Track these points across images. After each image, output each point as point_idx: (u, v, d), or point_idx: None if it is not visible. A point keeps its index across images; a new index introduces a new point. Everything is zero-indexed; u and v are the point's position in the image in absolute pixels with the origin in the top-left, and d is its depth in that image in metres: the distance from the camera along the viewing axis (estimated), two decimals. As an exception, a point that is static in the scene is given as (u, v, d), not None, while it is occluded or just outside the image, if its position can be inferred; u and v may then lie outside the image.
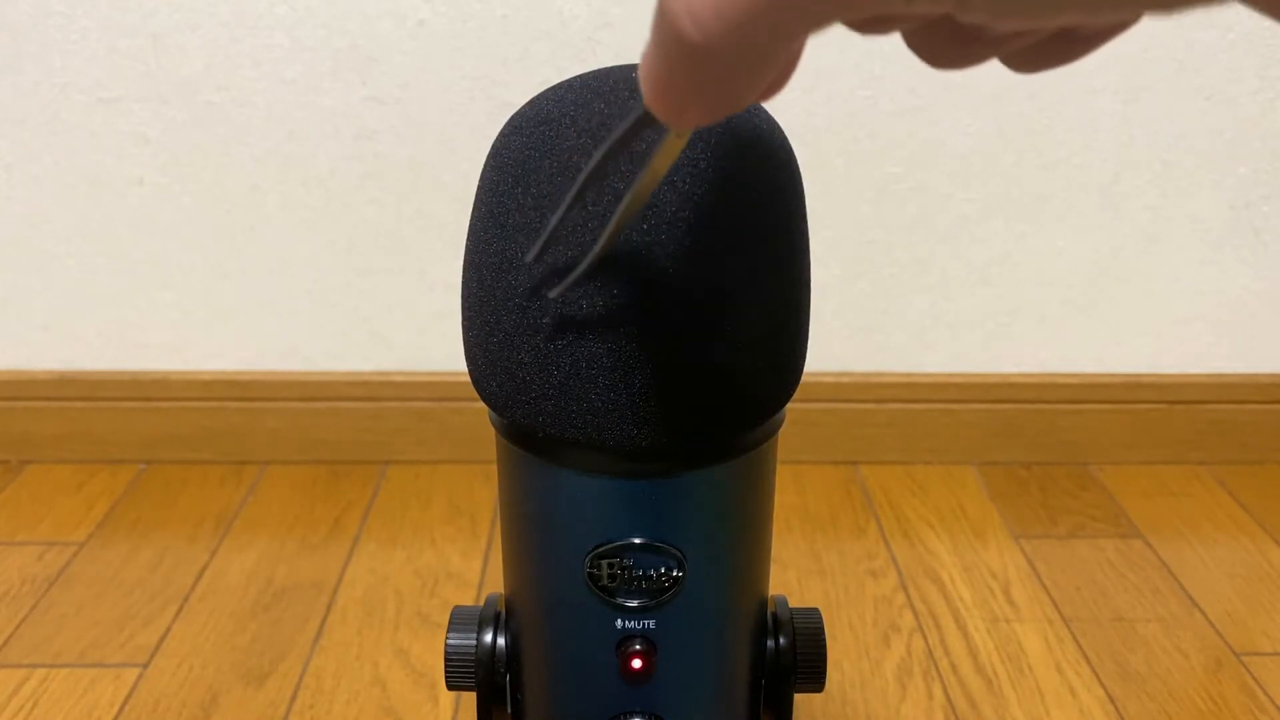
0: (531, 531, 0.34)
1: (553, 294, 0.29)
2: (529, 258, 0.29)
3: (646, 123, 0.22)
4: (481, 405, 0.33)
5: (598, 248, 0.28)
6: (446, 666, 0.37)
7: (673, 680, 0.34)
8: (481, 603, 0.38)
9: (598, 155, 0.26)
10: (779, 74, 0.21)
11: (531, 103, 0.32)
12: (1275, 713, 0.65)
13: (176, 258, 0.86)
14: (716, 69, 0.18)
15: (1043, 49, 0.21)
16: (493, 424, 0.34)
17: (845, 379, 0.91)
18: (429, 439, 0.92)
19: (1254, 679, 0.68)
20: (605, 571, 0.32)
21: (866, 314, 0.90)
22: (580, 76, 0.31)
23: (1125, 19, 0.18)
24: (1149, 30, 0.79)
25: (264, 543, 0.81)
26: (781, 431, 0.34)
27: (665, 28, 0.18)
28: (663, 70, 0.19)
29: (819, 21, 0.17)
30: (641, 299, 0.29)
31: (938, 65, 0.22)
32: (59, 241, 0.86)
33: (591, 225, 0.29)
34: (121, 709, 0.64)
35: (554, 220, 0.28)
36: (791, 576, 0.78)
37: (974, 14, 0.16)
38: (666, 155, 0.24)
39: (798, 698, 0.38)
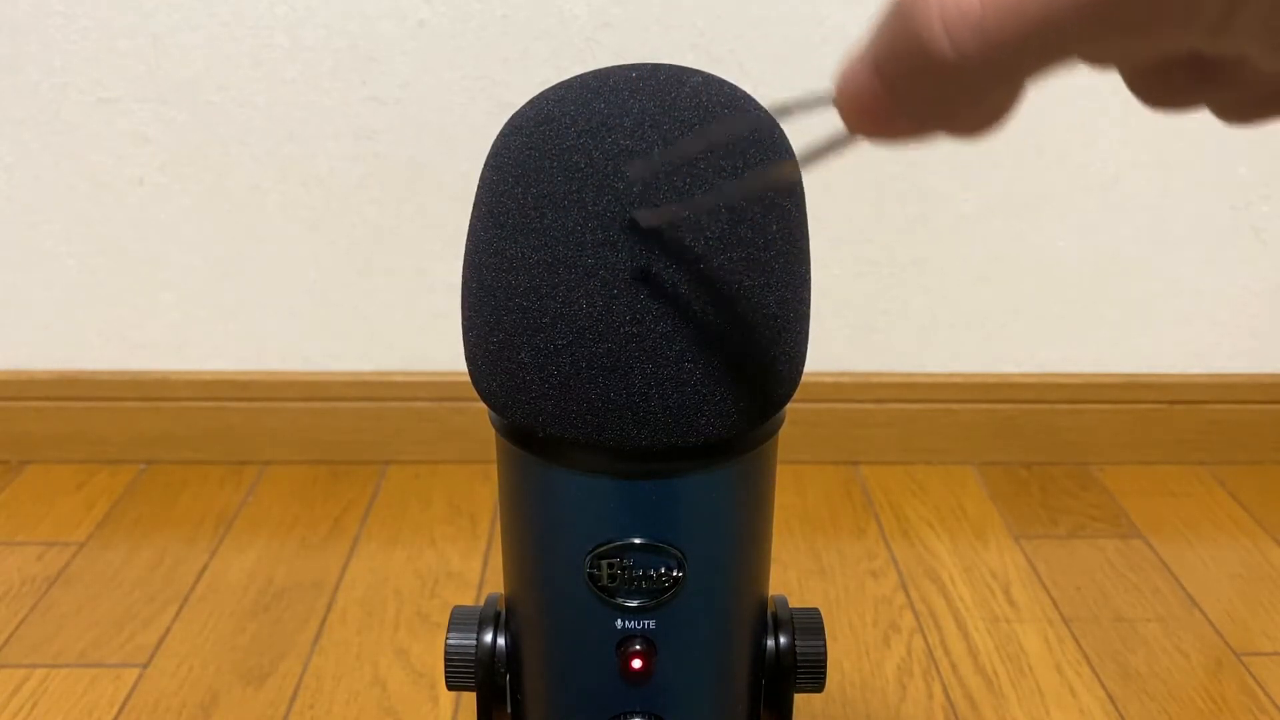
0: (531, 531, 0.34)
1: (641, 218, 0.28)
2: (633, 172, 0.28)
3: (848, 141, 0.21)
4: (481, 405, 0.33)
5: (707, 199, 0.27)
6: (446, 666, 0.37)
7: (673, 680, 0.34)
8: (481, 603, 0.38)
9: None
10: (1000, 110, 0.20)
11: (531, 103, 0.32)
12: (1276, 713, 0.65)
13: (176, 258, 0.86)
14: (954, 88, 0.17)
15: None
16: (493, 424, 0.34)
17: (845, 379, 0.91)
18: (429, 439, 0.92)
19: (1254, 679, 0.68)
20: (605, 571, 0.32)
21: (866, 314, 0.90)
22: (580, 76, 0.31)
23: None
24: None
25: (264, 543, 0.81)
26: (781, 431, 0.34)
27: (907, 36, 0.17)
28: (878, 86, 0.18)
29: (1089, 51, 0.16)
30: (641, 298, 0.29)
31: (1160, 106, 0.20)
32: (59, 241, 0.86)
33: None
34: (121, 709, 0.64)
35: (676, 152, 0.28)
36: (791, 576, 0.78)
37: (1268, 58, 0.15)
38: (832, 154, 0.22)
39: (798, 698, 0.38)
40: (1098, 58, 0.16)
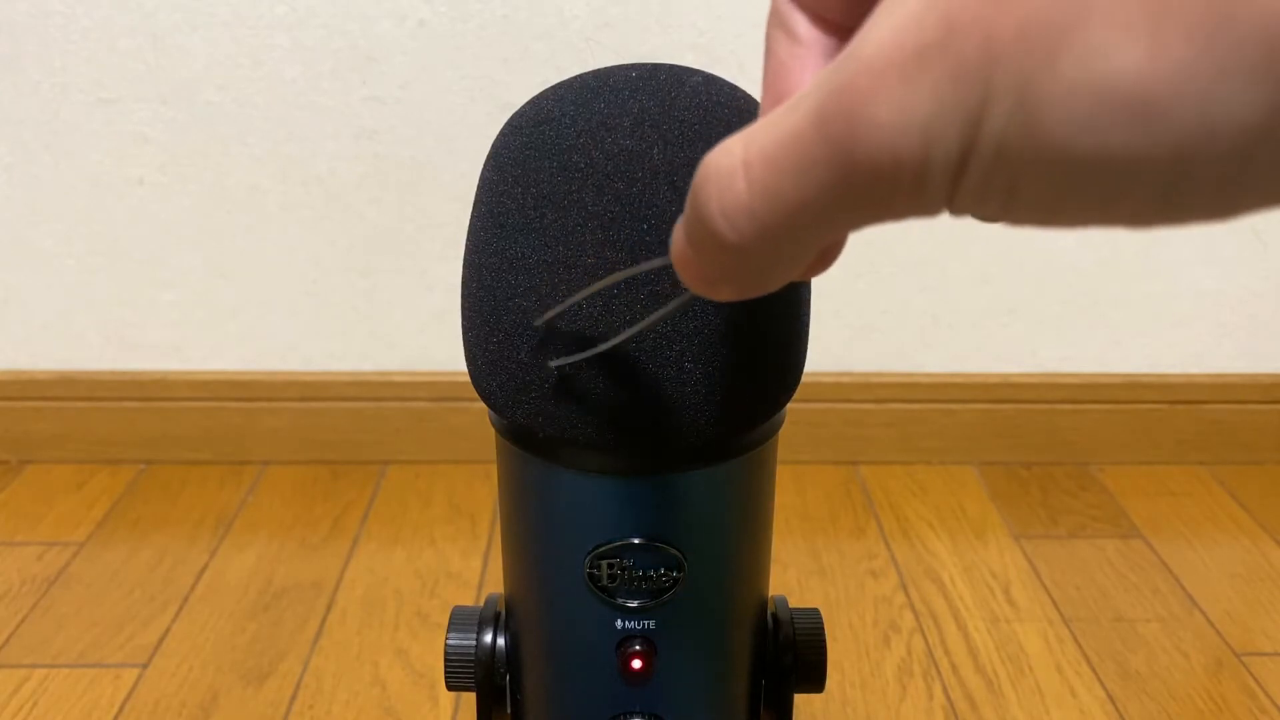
0: (531, 531, 0.34)
1: (554, 364, 0.29)
2: (538, 322, 0.29)
3: (692, 298, 0.23)
4: (481, 405, 0.33)
5: (606, 345, 0.29)
6: (446, 667, 0.37)
7: (673, 680, 0.34)
8: (481, 603, 0.38)
9: (615, 278, 0.27)
10: (824, 256, 0.22)
11: (531, 102, 0.32)
12: (1276, 713, 0.65)
13: (176, 258, 0.86)
14: (751, 263, 0.18)
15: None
16: (493, 424, 0.34)
17: (845, 379, 0.91)
18: (429, 439, 0.92)
19: (1254, 679, 0.68)
20: (605, 571, 0.32)
21: (866, 314, 0.90)
22: (580, 76, 0.31)
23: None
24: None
25: (264, 543, 0.81)
26: (781, 431, 0.34)
27: (699, 224, 0.18)
28: (696, 259, 0.19)
29: (858, 225, 0.18)
30: (641, 299, 0.29)
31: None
32: (59, 241, 0.86)
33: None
34: (121, 709, 0.64)
35: (570, 301, 0.29)
36: (791, 576, 0.78)
37: (1017, 220, 0.17)
38: (689, 300, 0.24)
39: (798, 698, 0.38)
40: (857, 225, 0.18)
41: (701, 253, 0.19)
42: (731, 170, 0.18)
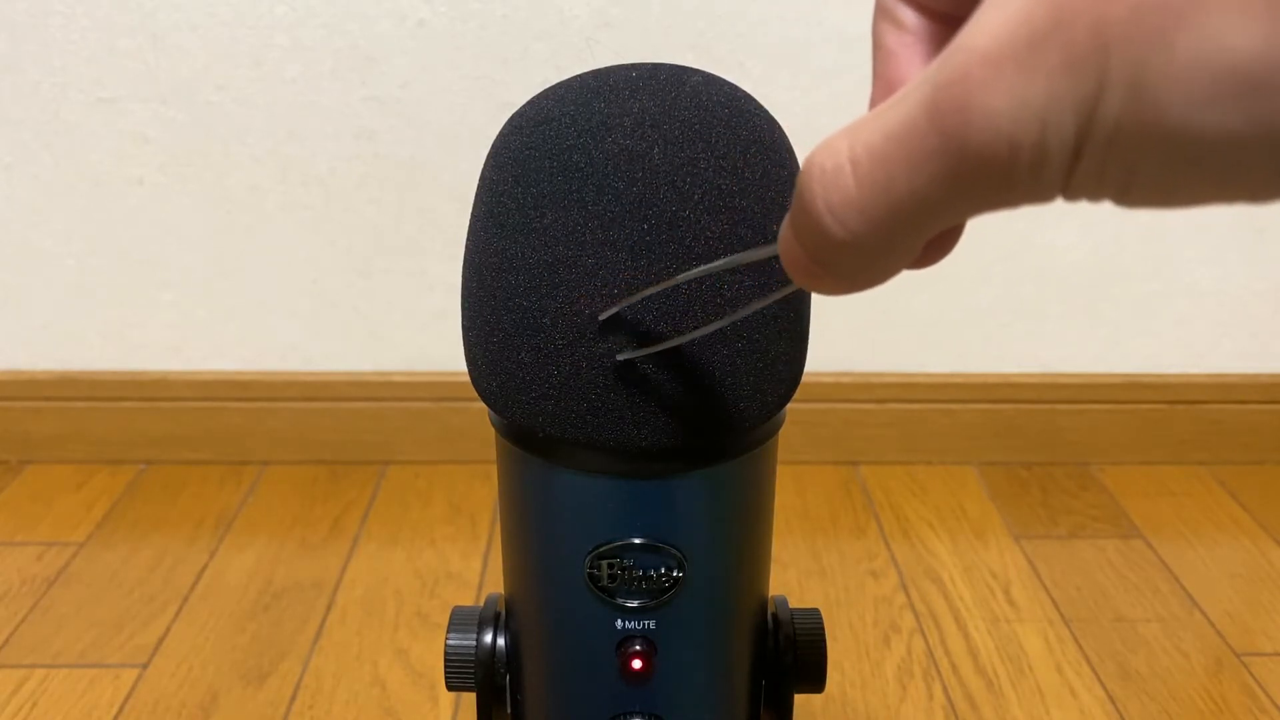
0: (531, 532, 0.34)
1: (620, 357, 0.29)
2: (602, 316, 0.29)
3: (790, 286, 0.23)
4: (481, 405, 0.33)
5: (681, 339, 0.29)
6: (446, 667, 0.37)
7: (673, 680, 0.34)
8: (481, 603, 0.38)
9: (718, 265, 0.26)
10: (940, 246, 0.22)
11: (531, 102, 0.32)
12: (1276, 713, 0.65)
13: (176, 258, 0.86)
14: (860, 258, 0.19)
15: None
16: (493, 424, 0.34)
17: (845, 379, 0.91)
18: (429, 439, 0.92)
19: (1254, 679, 0.68)
20: (605, 572, 0.32)
21: (866, 314, 0.90)
22: (580, 76, 0.31)
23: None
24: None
25: (263, 543, 0.81)
26: (781, 431, 0.34)
27: (805, 221, 0.19)
28: (803, 255, 0.19)
29: (970, 215, 0.18)
30: (641, 299, 0.29)
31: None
32: (59, 241, 0.86)
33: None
34: (121, 709, 0.64)
35: (643, 294, 0.29)
36: (791, 576, 0.78)
37: (1133, 203, 0.17)
38: (786, 291, 0.24)
39: (798, 698, 0.38)
40: (968, 215, 0.18)
41: (809, 248, 0.19)
42: (837, 167, 0.18)
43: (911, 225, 0.18)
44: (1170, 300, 0.90)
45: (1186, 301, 0.90)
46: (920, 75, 0.17)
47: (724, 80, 0.32)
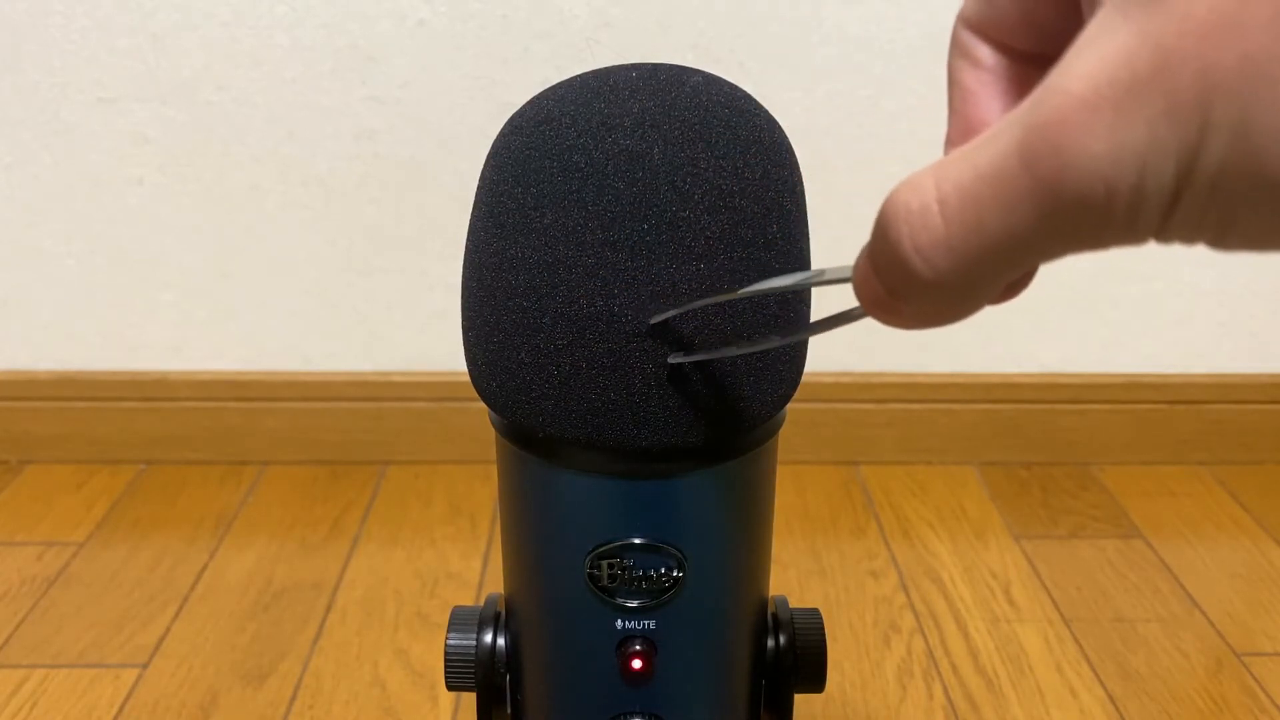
0: (531, 532, 0.34)
1: (672, 360, 0.29)
2: (653, 320, 0.29)
3: (860, 316, 0.22)
4: (481, 405, 0.33)
5: (735, 350, 0.29)
6: (446, 667, 0.37)
7: (673, 680, 0.34)
8: (481, 603, 0.38)
9: (784, 285, 0.26)
10: (1014, 286, 0.22)
11: (531, 102, 0.32)
12: (1276, 713, 0.65)
13: (176, 258, 0.86)
14: (942, 297, 0.19)
15: None
16: (493, 424, 0.34)
17: (845, 379, 0.91)
18: (429, 439, 0.92)
19: (1254, 679, 0.68)
20: (605, 572, 0.32)
21: (867, 314, 0.89)
22: (580, 76, 0.31)
23: None
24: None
25: (263, 543, 0.81)
26: (781, 431, 0.34)
27: (888, 259, 0.19)
28: (880, 289, 0.19)
29: (1058, 256, 0.18)
30: (642, 298, 0.29)
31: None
32: (59, 241, 0.86)
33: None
34: (121, 709, 0.64)
35: (699, 303, 0.29)
36: (791, 576, 0.78)
37: (1229, 247, 0.17)
38: (854, 320, 0.24)
39: (798, 698, 0.38)
40: (1058, 256, 0.18)
41: (888, 284, 0.19)
42: (924, 206, 0.18)
43: (999, 266, 0.18)
44: (1170, 300, 0.90)
45: (1186, 301, 0.90)
46: (1011, 115, 0.17)
47: (724, 80, 0.32)
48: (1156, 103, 0.15)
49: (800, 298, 0.32)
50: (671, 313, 0.29)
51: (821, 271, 0.24)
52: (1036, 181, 0.16)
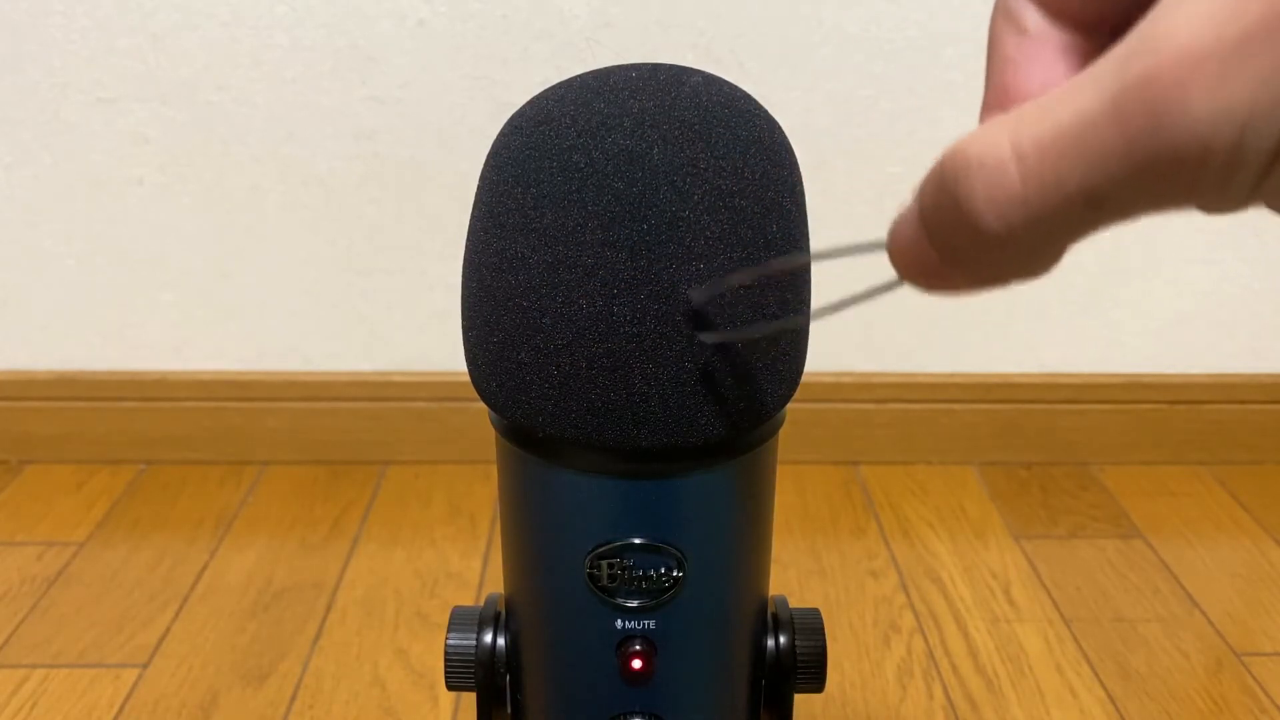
0: (531, 532, 0.34)
1: (706, 338, 0.29)
2: (695, 295, 0.29)
3: (894, 287, 0.22)
4: (481, 405, 0.33)
5: (769, 328, 0.28)
6: (446, 667, 0.37)
7: (673, 680, 0.34)
8: (481, 603, 0.38)
9: (817, 256, 0.26)
10: (1052, 260, 0.21)
11: (531, 103, 0.32)
12: (1276, 713, 0.65)
13: (176, 258, 0.86)
14: (1006, 257, 0.18)
15: None
16: (493, 424, 0.34)
17: (845, 379, 0.91)
18: (429, 439, 0.92)
19: (1254, 679, 0.68)
20: (605, 572, 0.32)
21: (867, 314, 0.90)
22: (580, 76, 0.31)
23: None
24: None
25: (264, 543, 0.81)
26: (781, 431, 0.34)
27: (952, 216, 0.18)
28: (928, 253, 0.19)
29: (1139, 215, 0.17)
30: (641, 299, 0.29)
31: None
32: (59, 241, 0.86)
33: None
34: (121, 709, 0.64)
35: (736, 279, 0.28)
36: (791, 576, 0.78)
37: None
38: (887, 290, 0.24)
39: (798, 698, 0.38)
40: (1136, 216, 0.17)
41: (947, 244, 0.18)
42: (1000, 162, 0.17)
43: (1074, 224, 0.17)
44: (1170, 300, 0.90)
45: (1186, 301, 0.90)
46: (1097, 68, 0.16)
47: (724, 80, 0.32)
48: (1265, 59, 0.14)
49: (803, 279, 0.32)
50: (709, 289, 0.29)
51: (857, 244, 0.23)
52: (1127, 139, 0.16)
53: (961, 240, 0.18)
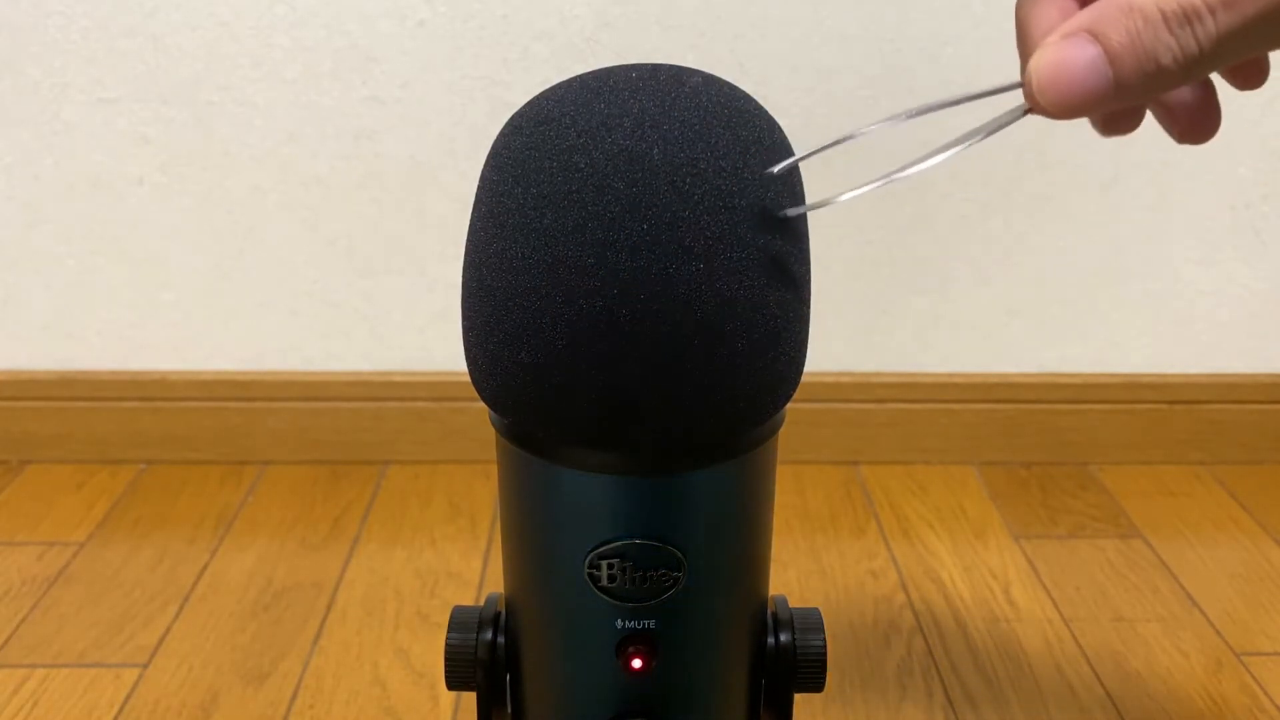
0: (531, 531, 0.34)
1: (789, 212, 0.30)
2: (773, 168, 0.30)
3: (1021, 115, 0.23)
4: (481, 405, 0.33)
5: (859, 190, 0.29)
6: (446, 667, 0.37)
7: (673, 680, 0.34)
8: (481, 603, 0.38)
9: (928, 108, 0.27)
10: (1130, 118, 0.25)
11: (532, 103, 0.32)
12: (1275, 713, 0.65)
13: (176, 258, 0.86)
14: (1177, 81, 0.21)
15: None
16: (493, 424, 0.34)
17: (845, 379, 0.91)
18: (429, 439, 0.92)
19: (1254, 679, 0.68)
20: (605, 571, 0.32)
21: (866, 314, 0.90)
22: (580, 76, 0.31)
23: None
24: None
25: (264, 543, 0.81)
26: (781, 431, 0.34)
27: (1140, 22, 0.21)
28: (1108, 72, 0.21)
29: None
30: (641, 298, 0.29)
31: (1186, 137, 0.27)
32: (59, 241, 0.86)
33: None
34: (121, 709, 0.64)
35: (822, 147, 0.29)
36: (791, 576, 0.78)
37: None
38: (999, 127, 0.25)
39: (798, 698, 0.38)
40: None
41: (1132, 76, 0.21)
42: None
43: (1245, 45, 0.20)
44: (1170, 300, 0.90)
45: (1186, 301, 0.90)
46: None
47: (724, 80, 0.32)
48: None
49: (803, 279, 0.32)
50: (790, 161, 0.30)
51: (995, 87, 0.25)
52: None
53: (1130, 57, 0.21)
